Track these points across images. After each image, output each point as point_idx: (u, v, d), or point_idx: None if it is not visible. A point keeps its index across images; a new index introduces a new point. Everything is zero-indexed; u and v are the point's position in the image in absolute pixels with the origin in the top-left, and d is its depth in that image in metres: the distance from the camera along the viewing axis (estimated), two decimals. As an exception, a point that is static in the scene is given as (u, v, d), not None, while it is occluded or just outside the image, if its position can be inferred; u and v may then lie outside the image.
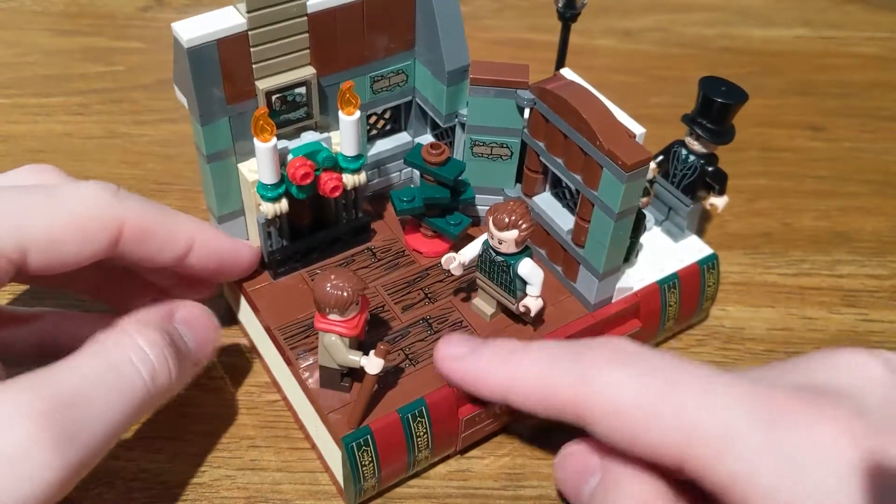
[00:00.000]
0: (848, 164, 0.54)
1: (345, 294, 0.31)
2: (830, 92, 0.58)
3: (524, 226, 0.33)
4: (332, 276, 0.31)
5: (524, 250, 0.35)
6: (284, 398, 0.38)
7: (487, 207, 0.40)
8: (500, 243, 0.34)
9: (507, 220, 0.33)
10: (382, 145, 0.42)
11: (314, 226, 0.39)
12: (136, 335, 0.30)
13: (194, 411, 0.38)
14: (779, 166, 0.53)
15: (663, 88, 0.56)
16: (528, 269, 0.34)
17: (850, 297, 0.47)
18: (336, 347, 0.32)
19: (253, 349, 0.40)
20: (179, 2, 0.55)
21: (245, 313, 0.39)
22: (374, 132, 0.42)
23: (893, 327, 0.45)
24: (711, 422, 0.26)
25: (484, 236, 0.35)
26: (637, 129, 0.37)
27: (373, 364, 0.31)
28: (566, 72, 0.38)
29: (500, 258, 0.34)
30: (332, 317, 0.31)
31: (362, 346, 0.33)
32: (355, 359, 0.31)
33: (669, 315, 0.40)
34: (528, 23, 0.61)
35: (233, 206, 0.38)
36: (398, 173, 0.43)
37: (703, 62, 0.58)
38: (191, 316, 0.33)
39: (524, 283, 0.35)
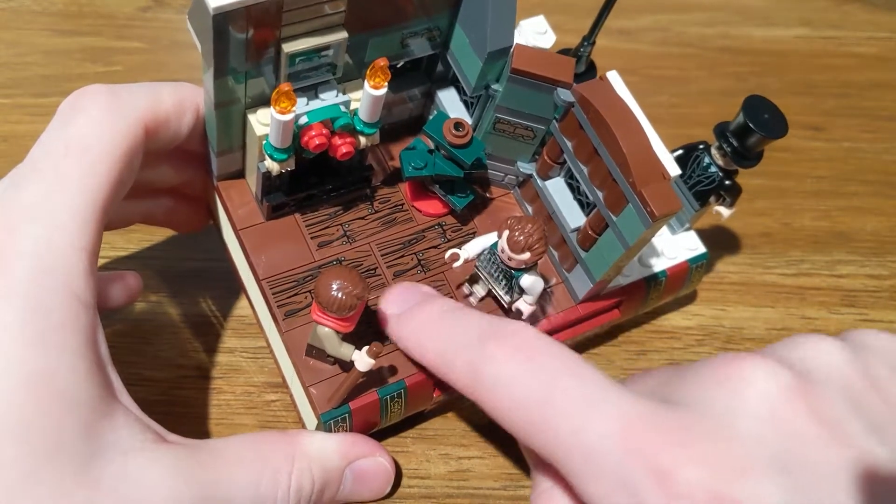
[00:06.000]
0: (848, 164, 0.54)
1: (347, 300, 0.30)
2: (830, 92, 0.58)
3: (538, 250, 0.33)
4: (339, 280, 0.30)
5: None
6: (264, 337, 0.38)
7: (497, 174, 0.39)
8: (510, 259, 0.33)
9: (523, 243, 0.32)
10: (398, 85, 0.39)
11: (315, 175, 0.36)
12: (293, 476, 0.31)
13: (193, 412, 0.38)
14: (779, 166, 0.53)
15: (663, 88, 0.56)
16: (531, 282, 0.34)
17: (850, 297, 0.47)
18: (329, 340, 0.32)
19: (234, 271, 0.39)
20: (179, 2, 0.55)
21: (233, 246, 0.38)
22: (391, 70, 0.37)
23: (893, 327, 0.45)
24: (584, 441, 0.26)
25: (491, 236, 0.35)
26: (673, 169, 0.35)
27: (363, 362, 0.31)
28: (612, 76, 0.36)
29: (504, 266, 0.34)
30: (330, 313, 0.31)
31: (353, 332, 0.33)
32: (346, 352, 0.32)
33: (647, 305, 0.41)
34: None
35: (233, 143, 0.35)
36: (408, 112, 0.41)
37: (703, 62, 0.58)
38: (367, 472, 0.34)
39: (523, 291, 0.35)
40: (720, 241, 0.48)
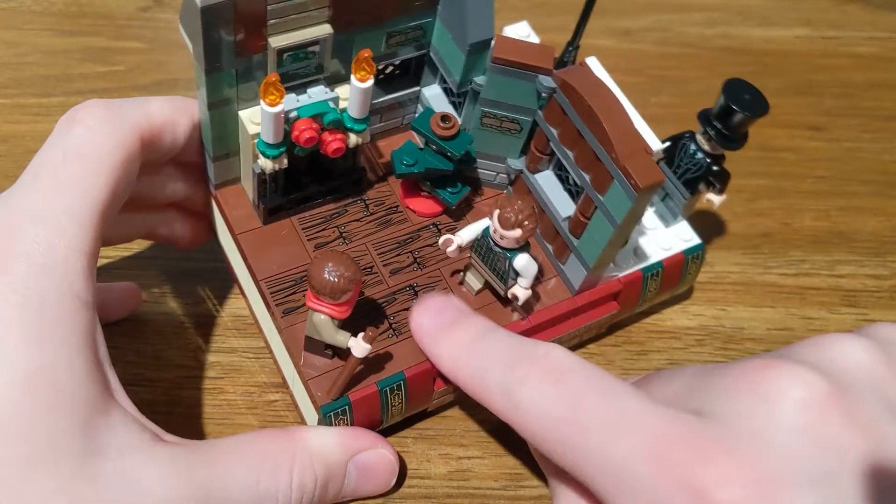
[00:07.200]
0: (848, 164, 0.54)
1: (340, 283, 0.31)
2: (830, 92, 0.58)
3: (529, 226, 0.33)
4: (331, 263, 0.31)
5: (523, 245, 0.35)
6: (264, 339, 0.38)
7: (488, 173, 0.40)
8: (502, 238, 0.34)
9: (513, 219, 0.33)
10: (388, 90, 0.40)
11: (309, 176, 0.37)
12: (295, 472, 0.31)
13: (194, 412, 0.38)
14: (779, 166, 0.53)
15: (663, 88, 0.56)
16: (524, 263, 0.34)
17: (850, 297, 0.47)
18: (325, 326, 0.32)
19: (232, 276, 0.39)
20: (179, 2, 0.55)
21: (231, 251, 0.38)
22: (381, 76, 0.40)
23: (893, 327, 0.45)
24: (613, 459, 0.26)
25: (484, 221, 0.35)
26: (656, 144, 0.36)
27: (359, 348, 0.31)
28: (591, 61, 0.36)
29: (498, 249, 0.35)
30: (324, 299, 0.31)
31: (349, 318, 0.33)
32: (343, 339, 0.32)
33: (646, 299, 0.41)
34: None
35: (229, 148, 0.36)
36: (400, 119, 0.42)
37: (703, 62, 0.58)
38: (371, 464, 0.34)
39: (517, 273, 0.35)
40: (721, 241, 0.48)
